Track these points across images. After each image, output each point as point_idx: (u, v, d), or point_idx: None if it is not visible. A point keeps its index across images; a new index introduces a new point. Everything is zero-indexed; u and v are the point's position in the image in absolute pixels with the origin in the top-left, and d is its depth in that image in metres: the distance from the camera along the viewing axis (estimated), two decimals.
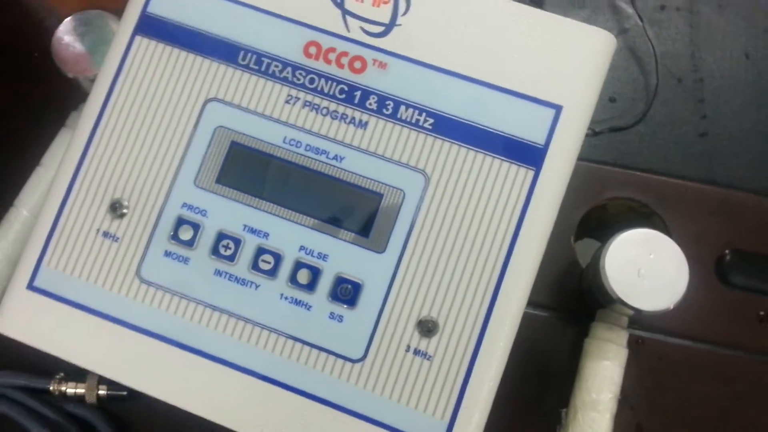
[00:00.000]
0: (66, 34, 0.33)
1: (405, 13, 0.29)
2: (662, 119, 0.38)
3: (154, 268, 0.28)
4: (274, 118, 0.28)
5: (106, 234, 0.28)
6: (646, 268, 0.29)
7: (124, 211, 0.28)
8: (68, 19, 0.33)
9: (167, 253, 0.28)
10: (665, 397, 0.33)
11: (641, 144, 0.38)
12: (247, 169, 0.28)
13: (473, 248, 0.27)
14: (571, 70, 0.28)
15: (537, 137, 0.28)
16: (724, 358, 0.34)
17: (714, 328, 0.34)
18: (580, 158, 0.28)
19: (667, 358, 0.34)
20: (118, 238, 0.28)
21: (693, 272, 0.31)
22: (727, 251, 0.35)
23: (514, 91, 0.28)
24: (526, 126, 0.28)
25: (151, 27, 0.29)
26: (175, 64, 0.29)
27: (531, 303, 0.36)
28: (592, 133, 0.38)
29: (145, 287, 0.28)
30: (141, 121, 0.29)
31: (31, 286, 0.28)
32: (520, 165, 0.27)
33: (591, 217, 0.38)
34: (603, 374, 0.30)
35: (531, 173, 0.27)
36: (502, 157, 0.27)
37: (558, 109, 0.28)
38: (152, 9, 0.29)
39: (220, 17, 0.29)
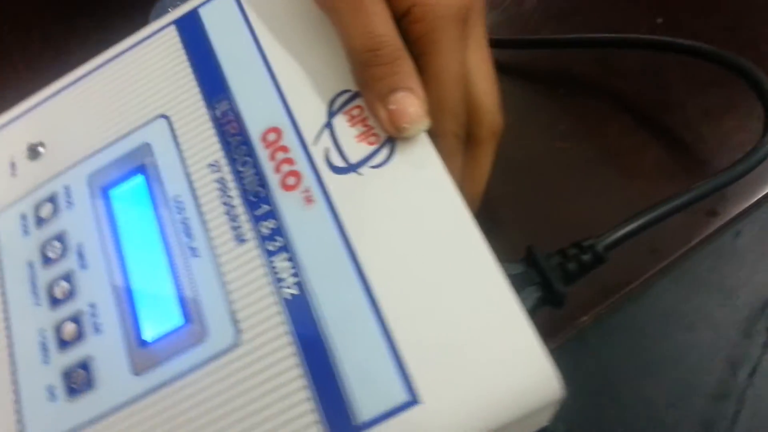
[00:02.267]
0: None
1: (378, 165, 0.22)
2: None
3: (4, 225, 0.27)
4: (187, 171, 0.24)
5: (12, 165, 0.28)
6: None
7: (38, 157, 0.27)
8: None
9: (23, 216, 0.26)
10: None
11: None
12: (129, 200, 0.25)
13: None
14: (473, 381, 0.18)
15: (365, 410, 0.19)
16: None
17: None
18: None
19: None
20: (16, 174, 0.27)
21: None
22: None
23: (394, 347, 0.20)
24: (369, 393, 0.19)
25: (187, 25, 0.28)
26: (173, 68, 0.27)
27: None
28: None
29: None
30: (110, 94, 0.27)
31: None
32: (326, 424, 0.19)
33: None
34: None
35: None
36: (319, 401, 0.20)
37: (411, 402, 0.19)
38: (203, 11, 0.28)
39: (238, 59, 0.26)
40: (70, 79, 0.29)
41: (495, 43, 0.29)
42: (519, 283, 0.22)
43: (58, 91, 0.28)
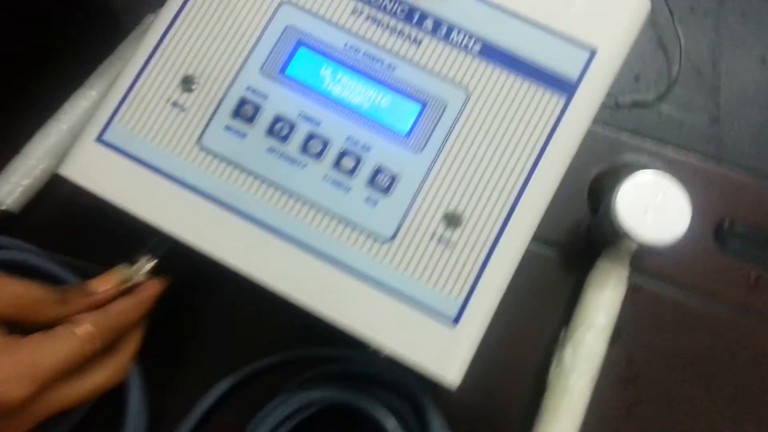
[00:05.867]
0: None
1: None
2: (680, 102, 0.42)
3: (214, 139, 0.31)
4: (339, 26, 0.32)
5: (175, 104, 0.31)
6: (653, 207, 0.32)
7: (194, 86, 0.31)
8: None
9: (227, 128, 0.31)
10: (655, 338, 0.36)
11: (659, 121, 0.41)
12: (309, 66, 0.31)
13: (501, 159, 0.30)
14: (609, 19, 0.31)
15: (571, 73, 0.31)
16: (714, 312, 0.36)
17: (708, 284, 0.37)
18: (604, 123, 0.31)
19: (661, 305, 0.36)
20: (185, 109, 0.31)
21: (694, 232, 0.33)
22: (726, 219, 0.38)
23: (555, 31, 0.31)
24: (563, 62, 0.31)
25: None
26: None
27: (540, 239, 0.38)
28: (615, 106, 0.41)
29: (204, 154, 0.30)
30: (222, 11, 0.32)
31: (100, 139, 0.31)
32: (553, 92, 0.30)
33: (603, 185, 0.41)
34: (603, 300, 0.32)
35: (562, 102, 0.30)
36: (538, 83, 0.31)
37: (593, 52, 0.31)
38: None
39: None
40: (169, 14, 0.32)
41: None
42: None
43: (169, 27, 0.31)
